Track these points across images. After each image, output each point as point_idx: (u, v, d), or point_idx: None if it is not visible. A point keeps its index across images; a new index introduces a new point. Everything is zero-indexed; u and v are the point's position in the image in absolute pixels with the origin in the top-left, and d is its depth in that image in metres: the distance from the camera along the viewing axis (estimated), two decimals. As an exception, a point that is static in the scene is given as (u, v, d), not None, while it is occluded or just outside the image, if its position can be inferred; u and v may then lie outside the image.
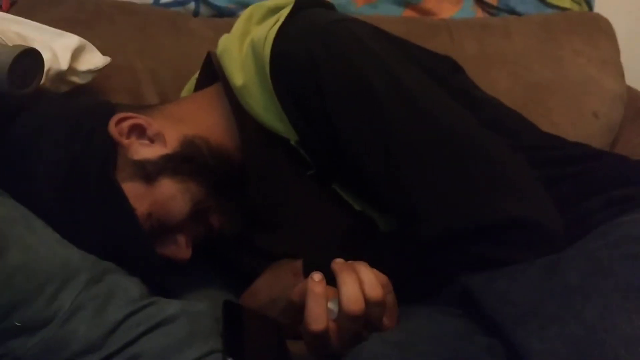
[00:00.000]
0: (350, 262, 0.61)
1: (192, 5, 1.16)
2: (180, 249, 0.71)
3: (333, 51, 0.66)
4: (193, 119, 0.73)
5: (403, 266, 0.64)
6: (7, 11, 1.04)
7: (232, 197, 0.72)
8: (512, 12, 1.25)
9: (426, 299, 0.64)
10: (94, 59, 0.89)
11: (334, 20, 0.69)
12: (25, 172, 0.67)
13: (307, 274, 0.66)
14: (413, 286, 0.64)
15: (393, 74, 0.66)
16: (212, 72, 0.77)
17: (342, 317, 0.58)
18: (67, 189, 0.66)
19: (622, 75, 1.15)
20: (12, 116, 0.69)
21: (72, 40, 0.86)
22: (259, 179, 0.72)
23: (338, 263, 0.61)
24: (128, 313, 0.64)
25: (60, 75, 0.84)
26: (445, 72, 0.78)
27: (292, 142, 0.70)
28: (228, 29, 0.77)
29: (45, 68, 0.76)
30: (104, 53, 0.91)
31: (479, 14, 1.25)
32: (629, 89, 1.17)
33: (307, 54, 0.66)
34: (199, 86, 0.82)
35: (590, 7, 1.28)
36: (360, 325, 0.59)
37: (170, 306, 0.66)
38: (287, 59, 0.67)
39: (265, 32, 0.69)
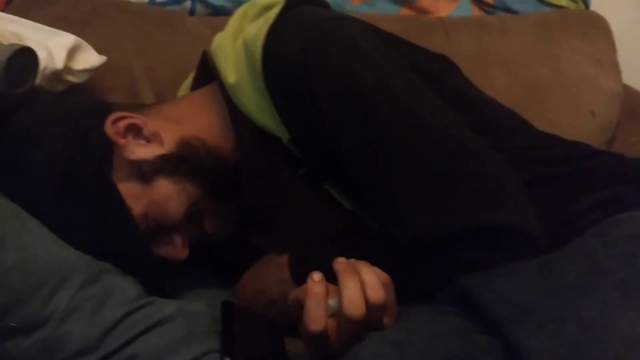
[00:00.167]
0: (352, 261, 0.61)
1: (188, 4, 1.15)
2: (176, 249, 0.71)
3: (323, 49, 0.66)
4: (189, 119, 0.73)
5: (393, 266, 0.64)
6: (3, 10, 1.03)
7: (228, 197, 0.72)
8: (509, 10, 1.25)
9: (424, 299, 0.64)
10: (89, 58, 0.88)
11: (325, 18, 0.69)
12: (21, 172, 0.67)
13: (292, 268, 0.67)
14: (404, 285, 0.64)
15: (382, 73, 0.66)
16: (208, 71, 0.77)
17: (343, 320, 0.58)
18: (63, 188, 0.66)
19: (619, 74, 1.16)
20: (8, 115, 0.69)
21: (67, 39, 0.86)
22: (254, 178, 0.71)
23: (341, 263, 0.60)
24: (124, 313, 0.63)
25: (56, 75, 0.83)
26: (438, 71, 0.77)
27: (284, 141, 0.69)
28: (224, 27, 0.77)
29: (41, 67, 0.75)
30: (100, 52, 0.90)
31: (476, 12, 1.25)
32: (626, 87, 1.17)
33: (298, 52, 0.66)
34: (195, 85, 0.82)
35: (587, 5, 1.28)
36: (360, 328, 0.59)
37: (167, 306, 0.66)
38: (278, 57, 0.67)
39: (257, 30, 0.69)
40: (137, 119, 0.70)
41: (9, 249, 0.62)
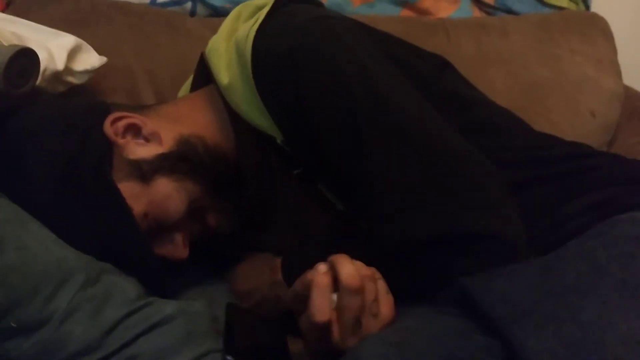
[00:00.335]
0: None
1: (188, 5, 1.16)
2: (177, 248, 0.71)
3: (309, 48, 0.66)
4: (188, 119, 0.73)
5: (385, 267, 0.64)
6: (3, 11, 1.03)
7: (228, 195, 0.72)
8: (510, 11, 1.25)
9: (423, 300, 0.64)
10: (90, 59, 0.89)
11: (312, 17, 0.69)
12: (21, 173, 0.67)
13: (284, 272, 0.68)
14: (397, 286, 0.64)
15: (368, 74, 0.66)
16: (206, 73, 0.77)
17: (344, 294, 0.58)
18: (63, 189, 0.66)
19: (620, 74, 1.16)
20: (8, 116, 0.69)
21: (68, 40, 0.86)
22: (253, 177, 0.71)
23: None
24: (125, 314, 0.63)
25: (57, 75, 0.84)
26: (432, 71, 0.77)
27: (278, 141, 0.70)
28: (224, 28, 0.77)
29: (41, 68, 0.75)
30: (100, 53, 0.91)
31: (476, 13, 1.25)
32: (626, 88, 1.17)
33: (284, 52, 0.66)
34: (194, 86, 0.82)
35: (588, 6, 1.28)
36: (359, 305, 0.59)
37: (168, 306, 0.66)
38: (266, 57, 0.67)
39: (247, 30, 0.69)
40: (136, 118, 0.70)
41: (9, 249, 0.62)
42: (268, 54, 0.67)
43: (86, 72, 0.88)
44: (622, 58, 1.17)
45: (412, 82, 0.70)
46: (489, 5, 1.25)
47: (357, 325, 0.59)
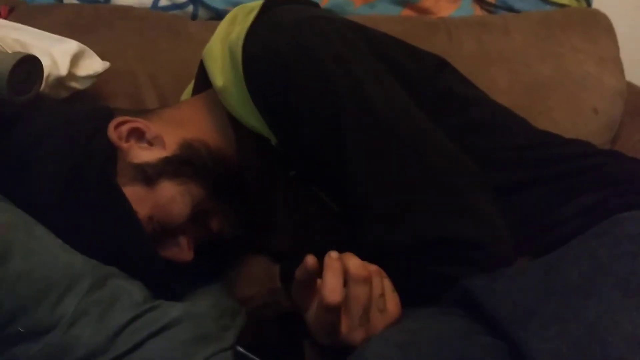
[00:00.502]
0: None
1: (190, 8, 1.16)
2: (182, 251, 0.71)
3: (297, 50, 0.66)
4: (191, 122, 0.74)
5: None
6: (6, 18, 1.04)
7: (231, 198, 0.72)
8: (511, 9, 1.24)
9: (427, 301, 0.64)
10: (93, 64, 0.89)
11: (300, 17, 0.69)
12: (26, 179, 0.67)
13: (283, 279, 0.69)
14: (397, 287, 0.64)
15: (356, 76, 0.66)
16: (206, 76, 0.77)
17: (353, 284, 0.59)
18: (68, 194, 0.66)
19: (622, 71, 1.15)
20: (12, 123, 0.69)
21: (71, 45, 0.86)
22: (254, 180, 0.72)
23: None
24: (131, 317, 0.64)
25: (60, 81, 0.84)
26: (427, 71, 0.76)
27: (273, 143, 0.70)
28: (226, 32, 0.77)
29: (45, 74, 0.76)
30: (103, 58, 0.91)
31: (478, 11, 1.24)
32: (629, 85, 1.17)
33: (272, 54, 0.66)
34: (196, 90, 0.82)
35: (589, 4, 1.28)
36: (367, 296, 0.59)
37: (174, 309, 0.66)
38: (255, 60, 0.67)
39: (238, 32, 0.69)
40: (139, 122, 0.70)
41: (16, 255, 0.62)
42: (257, 56, 0.67)
43: (89, 77, 0.88)
44: (625, 55, 1.16)
45: (404, 83, 0.70)
46: (490, 4, 1.25)
47: (365, 318, 0.60)
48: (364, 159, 0.65)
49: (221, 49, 0.73)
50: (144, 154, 0.70)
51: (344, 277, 0.60)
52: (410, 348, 0.55)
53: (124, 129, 0.70)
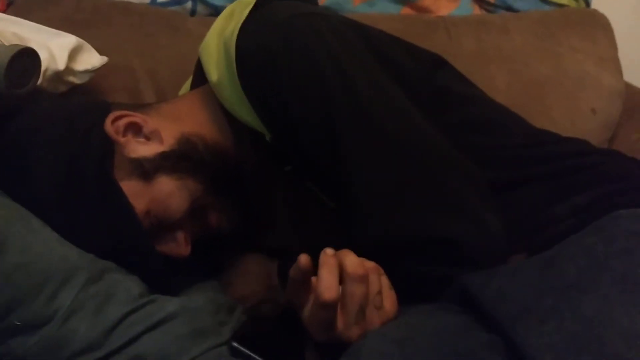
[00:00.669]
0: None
1: (189, 4, 1.16)
2: (179, 246, 0.71)
3: (290, 46, 0.66)
4: (188, 117, 0.73)
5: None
6: (4, 11, 1.03)
7: (229, 193, 0.72)
8: (510, 9, 1.24)
9: (424, 298, 0.64)
10: (91, 59, 0.89)
11: (293, 14, 0.68)
12: (23, 172, 0.67)
13: (280, 277, 0.68)
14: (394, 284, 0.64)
15: (348, 73, 0.66)
16: (203, 71, 0.77)
17: (349, 282, 0.59)
18: (65, 188, 0.66)
19: (620, 71, 1.15)
20: (9, 116, 0.69)
21: (69, 40, 0.86)
22: (250, 174, 0.72)
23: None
24: (128, 311, 0.64)
25: (58, 75, 0.84)
26: (424, 69, 0.76)
27: (267, 138, 0.70)
28: (225, 27, 0.77)
29: (42, 68, 0.76)
30: (101, 53, 0.91)
31: (477, 11, 1.25)
32: (627, 85, 1.17)
33: (264, 51, 0.66)
34: (194, 84, 0.82)
35: (588, 4, 1.28)
36: (363, 294, 0.59)
37: (170, 304, 0.66)
38: (248, 56, 0.67)
39: (232, 28, 0.69)
40: (136, 117, 0.70)
41: (12, 248, 0.62)
42: (250, 52, 0.67)
43: (87, 72, 0.88)
44: (623, 55, 1.17)
45: (401, 81, 0.70)
46: (489, 3, 1.25)
47: (361, 315, 0.60)
48: (359, 158, 0.65)
49: (217, 44, 0.72)
50: (141, 149, 0.69)
51: (340, 274, 0.60)
52: (407, 343, 0.54)
53: (121, 123, 0.70)
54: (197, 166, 0.70)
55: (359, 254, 0.62)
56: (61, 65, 0.83)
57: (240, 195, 0.73)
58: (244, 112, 0.69)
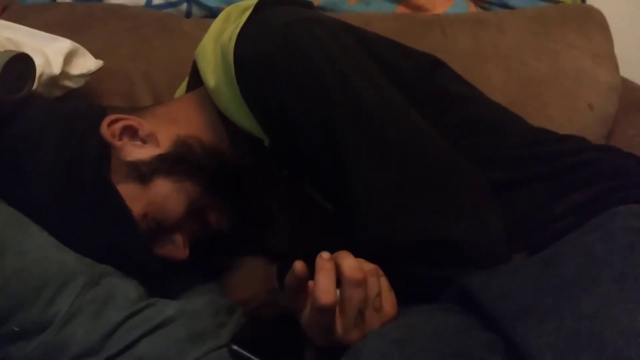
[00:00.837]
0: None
1: (184, 6, 1.16)
2: (177, 248, 0.71)
3: (289, 52, 0.65)
4: (184, 120, 0.73)
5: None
6: (-1, 17, 1.03)
7: (226, 195, 0.72)
8: (505, 6, 1.24)
9: (424, 300, 0.64)
10: (86, 63, 0.89)
11: (292, 19, 0.68)
12: (20, 177, 0.67)
13: (280, 280, 0.68)
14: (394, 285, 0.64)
15: (347, 79, 0.66)
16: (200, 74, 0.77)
17: (347, 286, 0.58)
18: (62, 192, 0.66)
19: (617, 67, 1.15)
20: (5, 122, 0.69)
21: (64, 44, 0.86)
22: (248, 177, 0.72)
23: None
24: (126, 315, 0.64)
25: (53, 80, 0.84)
26: (421, 72, 0.76)
27: (265, 143, 0.70)
28: (220, 29, 0.76)
29: (38, 73, 0.76)
30: (96, 56, 0.90)
31: (472, 8, 1.24)
32: (624, 81, 1.17)
33: (263, 56, 0.66)
34: (189, 87, 0.82)
35: (583, 0, 1.28)
36: (362, 297, 0.59)
37: (169, 307, 0.66)
38: (246, 61, 0.67)
39: (230, 33, 0.69)
40: (132, 120, 0.70)
41: (10, 254, 0.62)
42: (248, 58, 0.67)
43: (83, 76, 0.88)
44: (619, 50, 1.17)
45: (399, 84, 0.70)
46: (484, 1, 1.25)
47: (360, 318, 0.59)
48: (359, 158, 0.65)
49: (213, 48, 0.72)
50: (138, 152, 0.69)
51: (337, 277, 0.59)
52: (407, 343, 0.54)
53: (117, 126, 0.70)
54: (194, 168, 0.70)
55: (359, 255, 0.62)
56: (56, 69, 0.83)
57: (238, 197, 0.73)
58: (242, 118, 0.69)
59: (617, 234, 0.54)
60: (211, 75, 0.71)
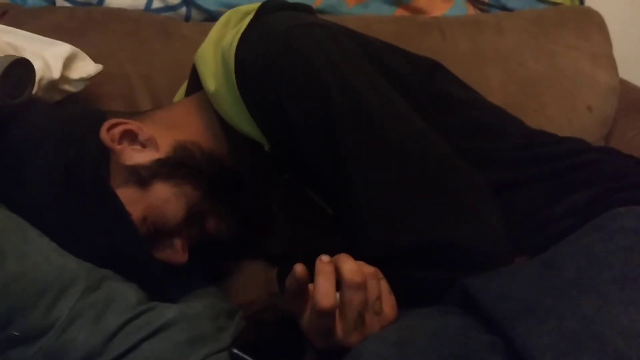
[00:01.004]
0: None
1: (183, 10, 1.16)
2: (176, 252, 0.71)
3: (290, 57, 0.65)
4: (184, 124, 0.73)
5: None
6: (-1, 21, 1.03)
7: (226, 199, 0.72)
8: (504, 8, 1.25)
9: (425, 302, 0.64)
10: (86, 67, 0.89)
11: (293, 25, 0.68)
12: (19, 182, 0.67)
13: (280, 282, 0.68)
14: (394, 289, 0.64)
15: (349, 83, 0.66)
16: (199, 78, 0.77)
17: (347, 289, 0.58)
18: (61, 197, 0.66)
19: (615, 68, 1.15)
20: (4, 126, 0.69)
21: (63, 48, 0.86)
22: (247, 182, 0.72)
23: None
24: (127, 319, 0.64)
25: (53, 84, 0.84)
26: (420, 75, 0.76)
27: (266, 148, 0.70)
28: (219, 33, 0.77)
29: (37, 77, 0.76)
30: (96, 60, 0.90)
31: (471, 10, 1.25)
32: (623, 82, 1.17)
33: (264, 61, 0.66)
34: (189, 91, 0.82)
35: (582, 1, 1.28)
36: (362, 301, 0.59)
37: (169, 311, 0.66)
38: (247, 66, 0.67)
39: (231, 38, 0.69)
40: (132, 124, 0.70)
41: (10, 259, 0.62)
42: (249, 63, 0.67)
43: (82, 80, 0.88)
44: (618, 52, 1.17)
45: (399, 88, 0.70)
46: (483, 3, 1.25)
47: (360, 321, 0.59)
48: (360, 164, 0.65)
49: (213, 52, 0.72)
50: (137, 156, 0.70)
51: (337, 280, 0.59)
52: (407, 346, 0.54)
53: (117, 131, 0.70)
54: (193, 173, 0.70)
55: (358, 258, 0.62)
56: (56, 74, 0.83)
57: (237, 201, 0.73)
58: (243, 122, 0.69)
59: (617, 235, 0.54)
60: (211, 80, 0.71)
